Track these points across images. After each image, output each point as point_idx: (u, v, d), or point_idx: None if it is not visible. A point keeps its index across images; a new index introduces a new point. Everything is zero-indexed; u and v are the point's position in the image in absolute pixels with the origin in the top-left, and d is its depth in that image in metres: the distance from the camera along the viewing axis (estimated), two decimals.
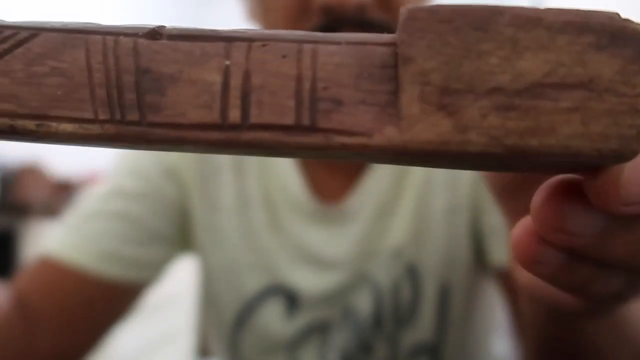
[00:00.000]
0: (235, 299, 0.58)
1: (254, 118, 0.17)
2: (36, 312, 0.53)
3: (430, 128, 0.16)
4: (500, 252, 0.53)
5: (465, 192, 0.55)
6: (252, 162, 0.58)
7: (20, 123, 0.17)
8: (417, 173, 0.56)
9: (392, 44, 0.17)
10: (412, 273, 0.55)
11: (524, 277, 0.29)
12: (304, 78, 0.17)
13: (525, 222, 0.20)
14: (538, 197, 0.19)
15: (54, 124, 0.17)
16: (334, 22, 0.47)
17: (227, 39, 0.17)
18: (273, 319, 0.57)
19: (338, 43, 0.17)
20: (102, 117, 0.17)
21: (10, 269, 1.73)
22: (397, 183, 0.56)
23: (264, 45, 0.17)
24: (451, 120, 0.16)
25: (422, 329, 0.56)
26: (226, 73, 0.17)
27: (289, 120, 0.17)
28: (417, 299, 0.55)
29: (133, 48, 0.17)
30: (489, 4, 0.16)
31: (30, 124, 0.17)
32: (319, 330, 0.57)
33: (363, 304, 0.56)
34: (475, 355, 0.60)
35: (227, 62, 0.17)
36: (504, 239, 0.53)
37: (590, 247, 0.19)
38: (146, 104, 0.17)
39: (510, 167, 0.18)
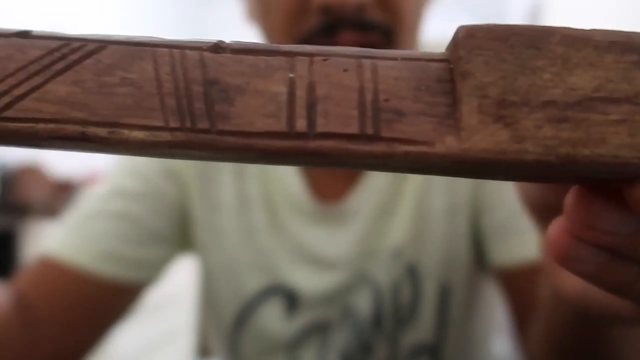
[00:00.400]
0: (235, 299, 0.58)
1: (320, 127, 0.17)
2: (36, 312, 0.53)
3: (488, 138, 0.17)
4: (501, 252, 0.53)
5: (465, 192, 0.55)
6: None
7: (91, 130, 0.18)
8: None
9: (444, 60, 0.18)
10: (412, 273, 0.55)
11: (570, 283, 0.28)
12: (366, 90, 0.18)
13: (560, 221, 0.20)
14: (571, 194, 0.19)
15: (125, 131, 0.18)
16: (333, 22, 0.47)
17: (288, 53, 0.18)
18: (273, 319, 0.57)
19: (394, 59, 0.18)
20: (172, 124, 0.18)
21: (10, 269, 1.73)
22: (397, 183, 0.56)
23: (324, 60, 0.18)
24: (508, 131, 0.17)
25: (422, 329, 0.56)
26: (291, 85, 0.18)
27: (354, 129, 0.17)
28: (417, 299, 0.55)
29: (199, 60, 0.18)
30: (540, 25, 0.18)
31: (102, 131, 0.18)
32: (319, 330, 0.57)
33: (363, 304, 0.56)
34: (475, 355, 0.60)
35: (291, 75, 0.18)
36: (505, 239, 0.53)
37: (627, 246, 0.19)
38: (215, 113, 0.18)
39: (560, 177, 0.19)
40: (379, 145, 0.17)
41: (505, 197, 0.53)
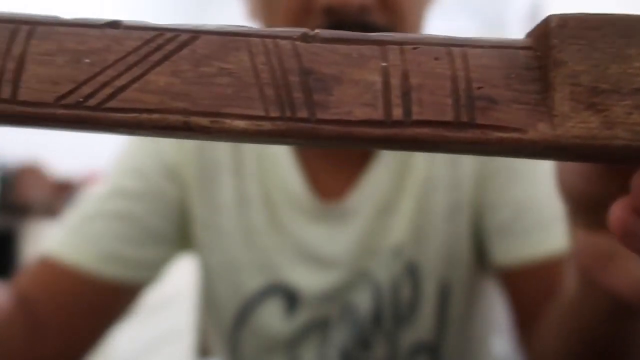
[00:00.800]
0: (235, 298, 0.58)
1: (415, 115, 0.18)
2: (37, 312, 0.53)
3: (580, 124, 0.18)
4: (503, 251, 0.53)
5: (466, 191, 0.55)
6: (252, 161, 0.58)
7: (194, 120, 0.18)
8: (419, 171, 0.56)
9: (529, 48, 0.19)
10: (412, 271, 0.55)
11: (628, 275, 0.28)
12: (458, 78, 0.18)
13: (626, 200, 0.21)
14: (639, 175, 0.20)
15: (227, 121, 0.18)
16: (336, 23, 0.47)
17: (378, 42, 0.19)
18: (273, 318, 0.57)
19: (482, 46, 0.19)
20: (273, 114, 0.18)
21: (10, 269, 1.73)
22: (398, 181, 0.56)
23: (414, 48, 0.19)
24: (599, 118, 0.18)
25: (421, 328, 0.56)
26: (385, 73, 0.18)
27: (449, 117, 0.18)
28: (417, 298, 0.55)
29: (292, 49, 0.18)
30: (633, 14, 0.18)
31: (204, 121, 0.18)
32: (319, 328, 0.57)
33: (363, 302, 0.56)
34: (475, 354, 0.60)
35: (384, 64, 0.18)
36: (507, 238, 0.53)
37: None
38: (315, 103, 0.18)
39: None
40: (473, 132, 0.18)
41: (508, 196, 0.53)
